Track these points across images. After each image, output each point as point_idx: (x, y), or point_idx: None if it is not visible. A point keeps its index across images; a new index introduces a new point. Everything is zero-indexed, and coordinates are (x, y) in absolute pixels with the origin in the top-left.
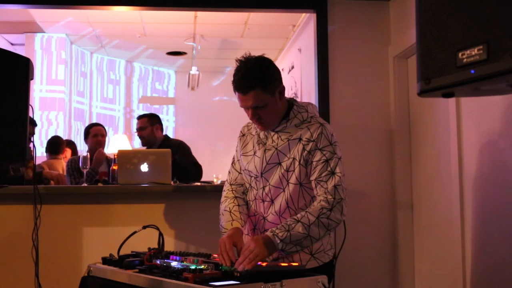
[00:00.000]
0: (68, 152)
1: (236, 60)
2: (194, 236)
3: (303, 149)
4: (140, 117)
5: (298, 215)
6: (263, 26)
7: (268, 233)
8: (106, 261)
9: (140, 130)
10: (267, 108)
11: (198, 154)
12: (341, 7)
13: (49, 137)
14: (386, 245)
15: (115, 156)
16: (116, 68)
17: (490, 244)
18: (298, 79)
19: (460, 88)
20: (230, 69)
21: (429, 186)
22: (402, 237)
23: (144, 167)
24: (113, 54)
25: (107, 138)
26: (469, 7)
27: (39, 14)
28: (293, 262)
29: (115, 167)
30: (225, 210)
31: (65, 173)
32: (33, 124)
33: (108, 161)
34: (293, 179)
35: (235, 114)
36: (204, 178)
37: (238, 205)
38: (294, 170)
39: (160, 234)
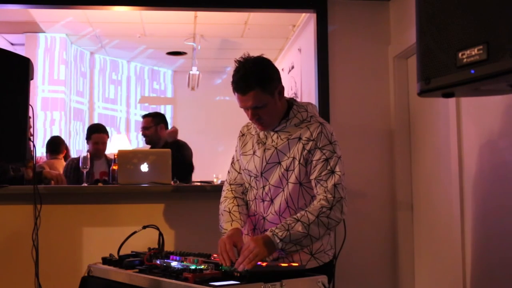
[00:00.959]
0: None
1: (235, 61)
2: (194, 236)
3: (303, 148)
4: (144, 116)
5: (298, 215)
6: (263, 26)
7: (268, 233)
8: (106, 261)
9: (144, 129)
10: (266, 108)
11: (198, 154)
12: (341, 7)
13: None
14: (386, 245)
15: (115, 156)
16: (118, 68)
17: (490, 244)
18: (298, 79)
19: (460, 88)
20: (230, 69)
21: (429, 186)
22: (402, 237)
23: (144, 167)
24: (113, 54)
25: (108, 140)
26: (469, 7)
27: (39, 14)
28: (293, 262)
29: (115, 167)
30: (224, 211)
31: None
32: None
33: (108, 161)
34: (293, 179)
35: (235, 114)
36: (204, 178)
37: (238, 205)
38: (294, 170)
39: (160, 234)
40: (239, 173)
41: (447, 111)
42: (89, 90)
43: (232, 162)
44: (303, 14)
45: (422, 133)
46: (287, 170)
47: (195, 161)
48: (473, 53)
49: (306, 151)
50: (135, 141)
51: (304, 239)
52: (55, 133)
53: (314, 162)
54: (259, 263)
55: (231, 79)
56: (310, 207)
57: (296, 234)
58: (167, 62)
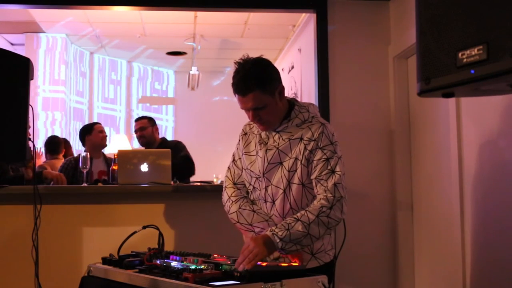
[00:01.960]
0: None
1: (235, 63)
2: (194, 236)
3: (305, 148)
4: (140, 119)
5: (298, 214)
6: (263, 26)
7: (268, 233)
8: (106, 261)
9: (141, 130)
10: (267, 109)
11: (198, 154)
12: (341, 7)
13: None
14: (386, 245)
15: (115, 156)
16: (118, 68)
17: (490, 244)
18: (298, 79)
19: (460, 88)
20: (230, 69)
21: (429, 186)
22: (402, 237)
23: (144, 167)
24: (113, 54)
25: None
26: (469, 7)
27: (39, 14)
28: (293, 262)
29: (115, 167)
30: (248, 210)
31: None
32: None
33: (107, 160)
34: (295, 180)
35: (235, 114)
36: (204, 178)
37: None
38: (296, 170)
39: (160, 234)
40: (242, 170)
41: (447, 111)
42: (89, 90)
43: (234, 160)
44: (303, 14)
45: (422, 133)
46: (289, 171)
47: (196, 161)
48: (473, 53)
49: (307, 151)
50: (136, 141)
51: (304, 238)
52: (56, 133)
53: (315, 162)
54: (259, 263)
55: (231, 79)
56: (310, 206)
57: (296, 234)
58: (167, 62)
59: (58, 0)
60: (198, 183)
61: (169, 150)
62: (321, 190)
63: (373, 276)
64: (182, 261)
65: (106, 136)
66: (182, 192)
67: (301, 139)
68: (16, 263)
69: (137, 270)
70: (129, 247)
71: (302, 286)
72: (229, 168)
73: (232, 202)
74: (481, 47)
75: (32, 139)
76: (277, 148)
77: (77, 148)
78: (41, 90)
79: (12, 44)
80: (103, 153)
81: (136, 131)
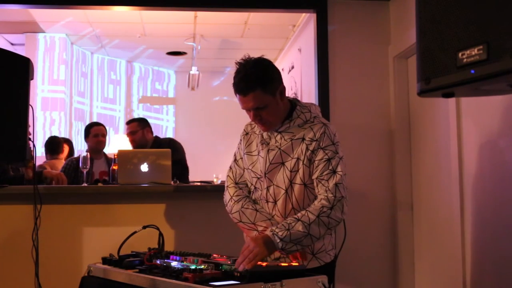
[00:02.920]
0: (66, 149)
1: (236, 63)
2: (194, 236)
3: (307, 148)
4: (130, 122)
5: (299, 214)
6: (263, 26)
7: (268, 233)
8: (106, 261)
9: (131, 134)
10: (268, 109)
11: (198, 154)
12: (341, 7)
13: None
14: (386, 245)
15: (115, 156)
16: (117, 68)
17: (490, 244)
18: (298, 79)
19: (460, 88)
20: (230, 69)
21: (429, 186)
22: (402, 237)
23: (144, 167)
24: (113, 54)
25: (107, 138)
26: (469, 7)
27: (39, 14)
28: (294, 262)
29: (115, 167)
30: (251, 209)
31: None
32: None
33: (108, 160)
34: (297, 180)
35: (235, 114)
36: (204, 178)
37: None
38: (298, 171)
39: (160, 234)
40: (243, 170)
41: (447, 111)
42: (90, 90)
43: (235, 159)
44: (303, 14)
45: (422, 133)
46: (291, 171)
47: (196, 161)
48: (473, 53)
49: (309, 151)
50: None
51: (304, 238)
52: (56, 134)
53: (316, 162)
54: (259, 263)
55: (231, 79)
56: (311, 206)
57: (296, 234)
58: (167, 62)
59: (58, 0)
60: (198, 183)
61: (169, 150)
62: (322, 190)
63: (373, 276)
64: (182, 261)
65: (103, 139)
66: (182, 192)
67: (303, 139)
68: (16, 263)
69: (137, 270)
70: (129, 247)
71: (302, 286)
72: (230, 167)
73: (235, 201)
74: (481, 47)
75: (32, 139)
76: (279, 148)
77: (79, 148)
78: (40, 90)
79: (12, 44)
80: (104, 153)
81: (127, 135)
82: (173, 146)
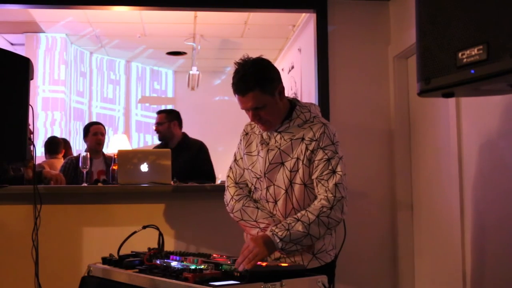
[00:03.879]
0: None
1: (235, 63)
2: (194, 236)
3: (306, 148)
4: (159, 112)
5: (298, 214)
6: (263, 26)
7: (268, 232)
8: (106, 261)
9: (158, 125)
10: (267, 109)
11: None
12: (341, 7)
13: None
14: (386, 245)
15: (115, 156)
16: (116, 68)
17: (490, 244)
18: (298, 79)
19: (460, 88)
20: (230, 69)
21: (429, 186)
22: (402, 237)
23: (144, 167)
24: (113, 54)
25: (106, 138)
26: (469, 7)
27: (39, 14)
28: (294, 262)
29: (115, 167)
30: (252, 207)
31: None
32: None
33: (107, 160)
34: (297, 180)
35: (235, 114)
36: None
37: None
38: (298, 171)
39: (160, 234)
40: (244, 170)
41: (447, 111)
42: (89, 90)
43: (235, 159)
44: (303, 14)
45: (422, 133)
46: (291, 171)
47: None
48: (473, 53)
49: (309, 151)
50: (135, 141)
51: (304, 238)
52: (56, 133)
53: (316, 162)
54: (259, 263)
55: (231, 79)
56: (311, 206)
57: (296, 234)
58: (167, 62)
59: (58, 0)
60: (197, 183)
61: (169, 150)
62: (322, 190)
63: (373, 276)
64: (182, 261)
65: (102, 138)
66: (182, 192)
67: (303, 139)
68: (16, 263)
69: (137, 270)
70: (129, 247)
71: (302, 286)
72: (231, 167)
73: (236, 200)
74: (481, 47)
75: (32, 139)
76: (279, 148)
77: (77, 148)
78: (40, 90)
79: (12, 44)
80: (103, 153)
81: (154, 125)
82: (204, 153)
